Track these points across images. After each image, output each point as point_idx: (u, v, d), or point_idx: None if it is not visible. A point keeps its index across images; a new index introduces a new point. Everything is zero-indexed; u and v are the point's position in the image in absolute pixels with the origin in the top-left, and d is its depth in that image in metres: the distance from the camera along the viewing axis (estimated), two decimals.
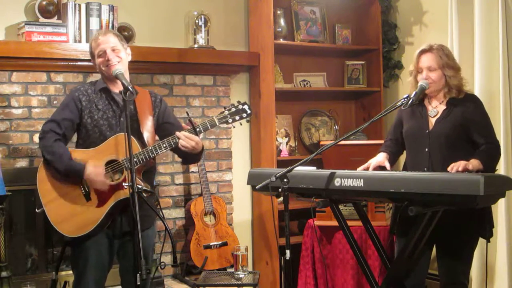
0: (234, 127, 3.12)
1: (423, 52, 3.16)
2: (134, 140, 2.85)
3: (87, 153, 2.97)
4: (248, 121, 3.09)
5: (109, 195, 2.91)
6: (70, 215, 2.93)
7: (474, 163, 2.92)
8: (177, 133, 2.94)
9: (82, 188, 2.94)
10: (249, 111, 3.05)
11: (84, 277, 2.97)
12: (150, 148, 2.92)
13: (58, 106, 3.09)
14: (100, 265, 3.00)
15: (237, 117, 3.03)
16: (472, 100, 3.16)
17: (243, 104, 3.05)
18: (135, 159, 2.81)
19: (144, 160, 2.91)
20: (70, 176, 2.92)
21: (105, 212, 2.91)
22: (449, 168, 2.93)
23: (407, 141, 3.27)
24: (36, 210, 3.02)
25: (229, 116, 3.01)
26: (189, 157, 3.10)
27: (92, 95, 3.03)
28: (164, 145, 2.93)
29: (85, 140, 3.02)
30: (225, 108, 3.05)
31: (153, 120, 3.09)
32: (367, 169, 3.17)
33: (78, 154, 2.96)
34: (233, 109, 3.03)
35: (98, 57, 3.01)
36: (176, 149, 2.99)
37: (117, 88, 3.05)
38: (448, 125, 3.11)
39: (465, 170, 2.87)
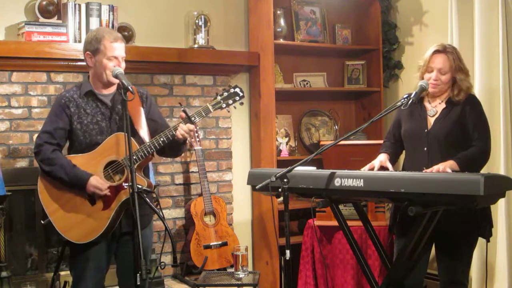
0: (229, 111, 3.13)
1: (437, 52, 3.14)
2: (132, 139, 2.83)
3: (85, 157, 2.94)
4: (241, 103, 3.08)
5: (113, 197, 2.90)
6: (77, 222, 2.91)
7: (450, 165, 2.95)
8: (180, 125, 2.93)
9: (86, 193, 2.91)
10: (241, 94, 3.05)
11: (83, 279, 2.95)
12: (148, 143, 2.91)
13: (47, 116, 3.03)
14: (99, 266, 2.98)
15: (230, 101, 3.04)
16: (472, 101, 3.16)
17: (235, 87, 3.06)
18: (134, 157, 2.80)
19: (144, 156, 2.90)
20: (74, 186, 2.90)
21: (112, 214, 2.89)
22: (425, 171, 2.97)
23: (406, 141, 3.27)
24: (42, 222, 3.00)
25: (222, 101, 3.02)
26: (173, 148, 3.05)
27: (79, 100, 2.97)
28: (162, 139, 2.92)
29: (76, 147, 2.98)
30: (217, 94, 3.05)
31: (144, 115, 3.06)
32: (372, 169, 3.16)
33: (76, 160, 2.93)
34: (225, 94, 3.03)
35: (108, 59, 2.93)
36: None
37: (106, 90, 3.01)
38: (447, 125, 3.12)
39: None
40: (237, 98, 3.05)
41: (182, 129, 2.93)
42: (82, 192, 2.91)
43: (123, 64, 2.99)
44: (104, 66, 2.94)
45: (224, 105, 3.02)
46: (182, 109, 3.02)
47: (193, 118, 2.96)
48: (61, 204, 2.94)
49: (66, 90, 3.08)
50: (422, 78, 3.18)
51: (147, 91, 3.17)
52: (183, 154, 4.21)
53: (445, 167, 2.93)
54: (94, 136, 2.95)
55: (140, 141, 2.96)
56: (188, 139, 3.01)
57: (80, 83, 3.08)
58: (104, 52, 2.94)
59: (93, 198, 2.92)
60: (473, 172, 2.99)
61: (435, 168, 2.96)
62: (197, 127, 4.26)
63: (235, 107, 3.08)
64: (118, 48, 2.96)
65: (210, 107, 3.00)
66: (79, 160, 2.93)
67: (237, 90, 3.06)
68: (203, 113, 2.99)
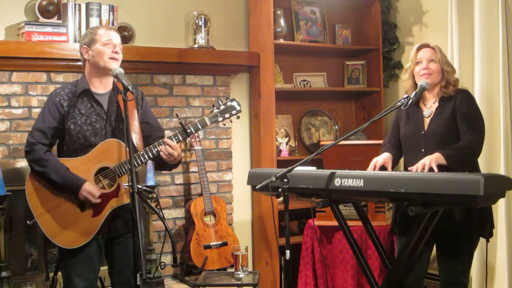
0: (224, 125, 3.10)
1: (422, 46, 3.21)
2: (125, 146, 2.76)
3: (76, 162, 2.88)
4: (238, 117, 3.06)
5: (104, 204, 2.86)
6: (65, 227, 2.86)
7: (435, 158, 2.94)
8: (165, 140, 2.90)
9: (76, 199, 2.86)
10: (238, 108, 3.02)
11: (74, 281, 2.90)
12: (141, 152, 2.88)
13: (40, 112, 2.96)
14: (90, 267, 2.93)
15: (227, 115, 3.00)
16: (463, 94, 3.17)
17: (232, 100, 3.02)
18: (127, 166, 2.75)
19: (136, 166, 2.85)
20: (67, 189, 2.84)
21: (102, 220, 2.86)
22: (410, 168, 2.97)
23: (404, 144, 3.28)
24: (28, 222, 2.95)
25: (219, 114, 2.99)
26: (165, 164, 3.02)
27: (73, 99, 2.92)
28: (156, 150, 2.89)
29: (68, 146, 2.92)
30: (213, 106, 3.02)
31: (139, 117, 3.02)
32: (375, 168, 3.17)
33: (67, 164, 2.86)
34: (222, 107, 2.99)
35: (104, 45, 2.90)
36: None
37: (102, 87, 2.96)
38: (441, 123, 3.12)
39: (430, 168, 2.90)
40: (234, 112, 3.01)
41: (166, 149, 2.88)
42: (72, 197, 2.86)
43: (121, 55, 2.95)
44: (101, 52, 2.90)
45: (220, 119, 2.99)
46: (179, 121, 2.99)
47: (189, 130, 2.94)
48: (49, 208, 2.88)
49: (60, 87, 3.01)
50: (413, 76, 3.21)
51: (142, 92, 3.14)
52: (183, 154, 4.20)
53: (431, 161, 2.92)
54: (88, 137, 2.89)
55: (132, 145, 2.88)
56: (175, 154, 2.92)
57: (76, 81, 3.01)
58: (99, 39, 2.92)
59: (83, 204, 2.87)
60: (461, 166, 2.97)
61: (420, 163, 2.95)
62: None
63: (231, 121, 3.05)
64: (113, 35, 2.94)
65: (207, 120, 2.97)
66: (70, 164, 2.87)
67: (234, 103, 3.01)
68: (199, 125, 2.96)
